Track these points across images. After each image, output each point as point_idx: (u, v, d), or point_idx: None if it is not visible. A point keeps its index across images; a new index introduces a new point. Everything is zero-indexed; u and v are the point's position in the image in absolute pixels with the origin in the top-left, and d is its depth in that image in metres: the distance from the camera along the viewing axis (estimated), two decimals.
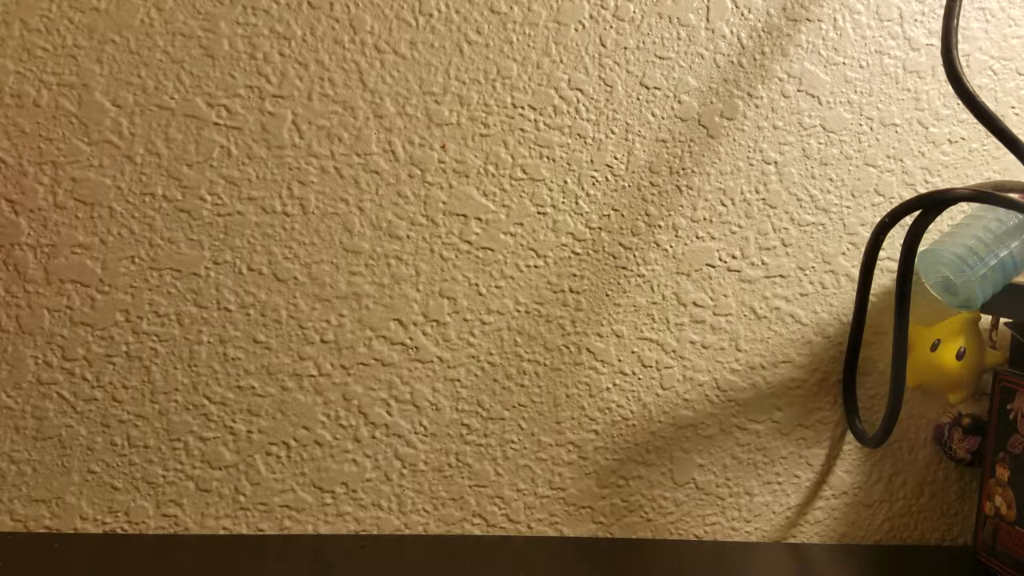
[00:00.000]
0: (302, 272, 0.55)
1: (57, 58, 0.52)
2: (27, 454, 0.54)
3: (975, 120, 0.50)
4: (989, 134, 0.51)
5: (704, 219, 0.57)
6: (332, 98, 0.54)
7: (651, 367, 0.58)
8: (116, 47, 0.52)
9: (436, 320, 0.56)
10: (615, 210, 0.56)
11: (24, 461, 0.54)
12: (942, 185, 0.59)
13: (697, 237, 0.57)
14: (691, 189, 0.57)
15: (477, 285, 0.56)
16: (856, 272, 0.58)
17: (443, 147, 0.55)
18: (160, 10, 0.52)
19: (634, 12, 0.55)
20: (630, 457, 0.59)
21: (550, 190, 0.56)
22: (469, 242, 0.56)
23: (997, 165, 0.59)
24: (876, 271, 0.57)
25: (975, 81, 0.58)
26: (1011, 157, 0.54)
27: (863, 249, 0.57)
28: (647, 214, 0.57)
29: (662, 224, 0.57)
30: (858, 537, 0.61)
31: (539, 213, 0.56)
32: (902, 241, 0.52)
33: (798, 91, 0.57)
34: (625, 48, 0.55)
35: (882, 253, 0.58)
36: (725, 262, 0.58)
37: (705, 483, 0.59)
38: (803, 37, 0.57)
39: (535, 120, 0.55)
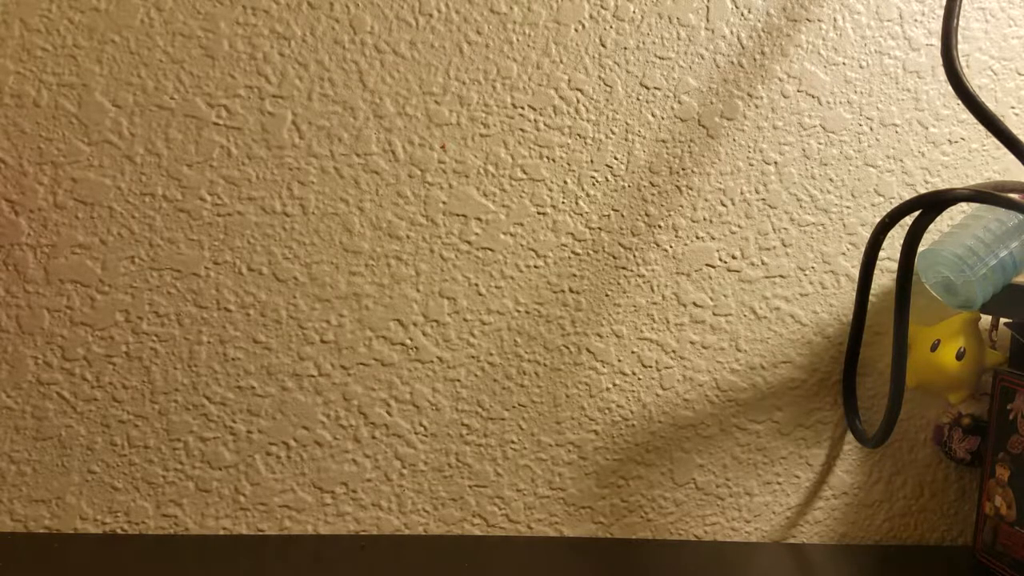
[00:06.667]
0: (302, 272, 0.55)
1: (57, 58, 0.52)
2: (27, 454, 0.54)
3: (975, 120, 0.50)
4: (989, 134, 0.51)
5: (704, 219, 0.57)
6: (332, 98, 0.54)
7: (651, 367, 0.58)
8: (116, 47, 0.52)
9: (436, 320, 0.56)
10: (615, 210, 0.56)
11: (24, 461, 0.54)
12: (942, 185, 0.59)
13: (697, 237, 0.57)
14: (691, 189, 0.57)
15: (477, 285, 0.56)
16: (856, 272, 0.58)
17: (443, 147, 0.55)
18: (160, 10, 0.52)
19: (634, 12, 0.55)
20: (630, 457, 0.59)
21: (550, 190, 0.56)
22: (469, 242, 0.56)
23: (997, 165, 0.59)
24: (876, 271, 0.57)
25: (975, 81, 0.58)
26: (1011, 157, 0.54)
27: (863, 249, 0.57)
28: (647, 214, 0.57)
29: (662, 224, 0.57)
30: (858, 537, 0.61)
31: (539, 213, 0.56)
32: (902, 241, 0.52)
33: (798, 91, 0.57)
34: (625, 48, 0.55)
35: (882, 253, 0.58)
36: (725, 262, 0.58)
37: (705, 483, 0.59)
38: (803, 37, 0.57)
39: (535, 120, 0.55)
